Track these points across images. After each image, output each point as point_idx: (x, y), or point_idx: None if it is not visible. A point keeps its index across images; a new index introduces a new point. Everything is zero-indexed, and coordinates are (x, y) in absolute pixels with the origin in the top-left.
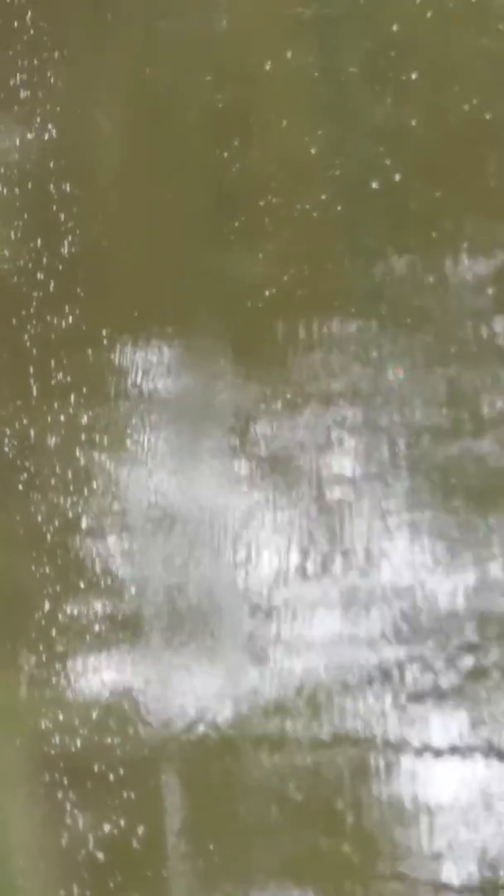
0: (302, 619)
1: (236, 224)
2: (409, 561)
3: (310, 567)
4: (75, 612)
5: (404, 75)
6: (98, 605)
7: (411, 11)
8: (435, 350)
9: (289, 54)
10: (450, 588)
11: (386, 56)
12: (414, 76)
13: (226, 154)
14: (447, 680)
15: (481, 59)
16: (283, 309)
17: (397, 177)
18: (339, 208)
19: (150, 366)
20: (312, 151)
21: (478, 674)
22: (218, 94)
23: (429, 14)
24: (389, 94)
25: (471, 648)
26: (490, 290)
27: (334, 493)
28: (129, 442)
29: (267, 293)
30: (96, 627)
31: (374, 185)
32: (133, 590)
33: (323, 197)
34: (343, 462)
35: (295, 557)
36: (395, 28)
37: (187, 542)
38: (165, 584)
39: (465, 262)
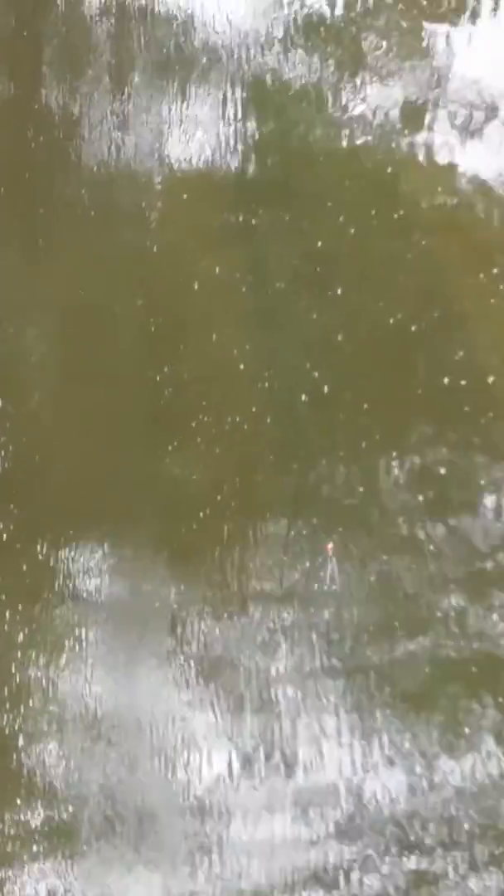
0: (242, 821)
1: (170, 448)
2: (348, 762)
3: (249, 769)
4: (11, 830)
5: (330, 290)
6: (36, 819)
7: (335, 227)
8: (367, 552)
9: (217, 270)
10: (390, 789)
11: (311, 271)
12: (339, 291)
13: (158, 377)
14: (390, 882)
15: (405, 273)
16: (217, 518)
17: (325, 389)
18: (268, 420)
19: (86, 577)
20: (241, 367)
21: (420, 876)
22: (150, 316)
23: (352, 230)
24: (315, 309)
25: (412, 850)
26: (420, 496)
27: (272, 694)
28: (65, 654)
29: (201, 505)
30: (34, 845)
31: (304, 397)
32: (71, 802)
33: (253, 409)
34: (279, 663)
35: (234, 760)
36: (319, 244)
37: (126, 748)
38: (104, 793)
39: (395, 468)
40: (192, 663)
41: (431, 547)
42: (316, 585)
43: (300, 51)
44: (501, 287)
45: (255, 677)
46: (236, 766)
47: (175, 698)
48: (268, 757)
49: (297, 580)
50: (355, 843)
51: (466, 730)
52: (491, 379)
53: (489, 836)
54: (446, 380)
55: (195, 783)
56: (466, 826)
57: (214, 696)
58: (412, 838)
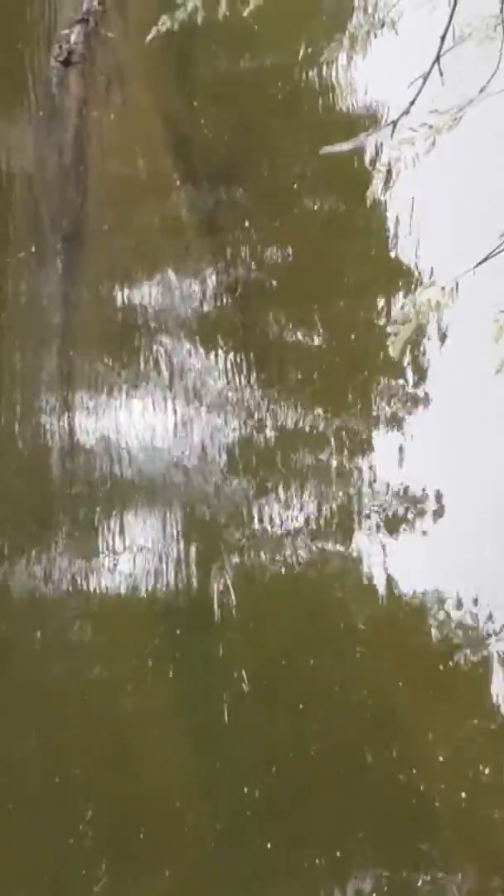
0: None
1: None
2: None
3: None
4: None
5: (263, 711)
6: None
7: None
8: None
9: (151, 701)
10: None
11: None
12: (275, 710)
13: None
14: None
15: (340, 686)
16: None
17: (266, 805)
18: (212, 844)
19: None
20: (181, 786)
21: None
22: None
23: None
24: (251, 730)
25: None
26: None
27: None
28: None
29: None
30: None
31: (246, 814)
32: None
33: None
34: None
35: None
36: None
37: None
38: None
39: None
40: None
41: None
42: None
43: (229, 474)
44: (439, 693)
45: None
46: None
47: None
48: None
49: None
50: None
51: None
52: (438, 795)
53: None
54: (386, 796)
55: None
56: None
57: None
58: None
